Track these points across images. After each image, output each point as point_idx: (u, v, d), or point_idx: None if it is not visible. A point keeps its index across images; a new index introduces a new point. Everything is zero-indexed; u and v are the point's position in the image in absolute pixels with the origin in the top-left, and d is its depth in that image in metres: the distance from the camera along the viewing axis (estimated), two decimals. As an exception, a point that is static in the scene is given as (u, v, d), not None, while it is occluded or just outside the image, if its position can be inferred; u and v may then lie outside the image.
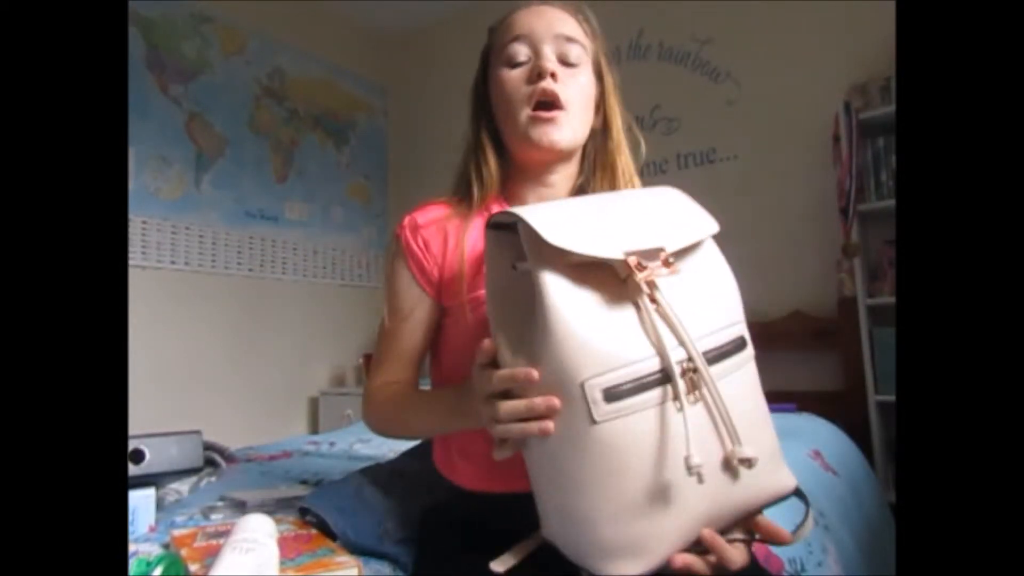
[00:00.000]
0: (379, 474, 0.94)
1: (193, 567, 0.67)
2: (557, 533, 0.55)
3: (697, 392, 0.54)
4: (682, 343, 0.54)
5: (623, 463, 0.51)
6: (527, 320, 0.55)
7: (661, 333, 0.53)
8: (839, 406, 2.06)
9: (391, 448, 1.45)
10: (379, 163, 3.59)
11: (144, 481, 0.89)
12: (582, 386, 0.51)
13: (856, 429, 1.91)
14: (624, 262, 0.55)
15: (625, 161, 0.83)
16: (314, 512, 0.81)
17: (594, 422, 0.51)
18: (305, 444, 1.69)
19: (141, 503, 0.85)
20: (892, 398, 2.00)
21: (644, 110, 2.74)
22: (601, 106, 0.83)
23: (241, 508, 0.92)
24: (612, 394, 0.51)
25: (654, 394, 0.52)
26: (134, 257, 2.52)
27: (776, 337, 2.22)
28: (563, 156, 0.80)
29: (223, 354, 2.80)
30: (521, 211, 0.57)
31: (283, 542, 0.70)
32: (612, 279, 0.56)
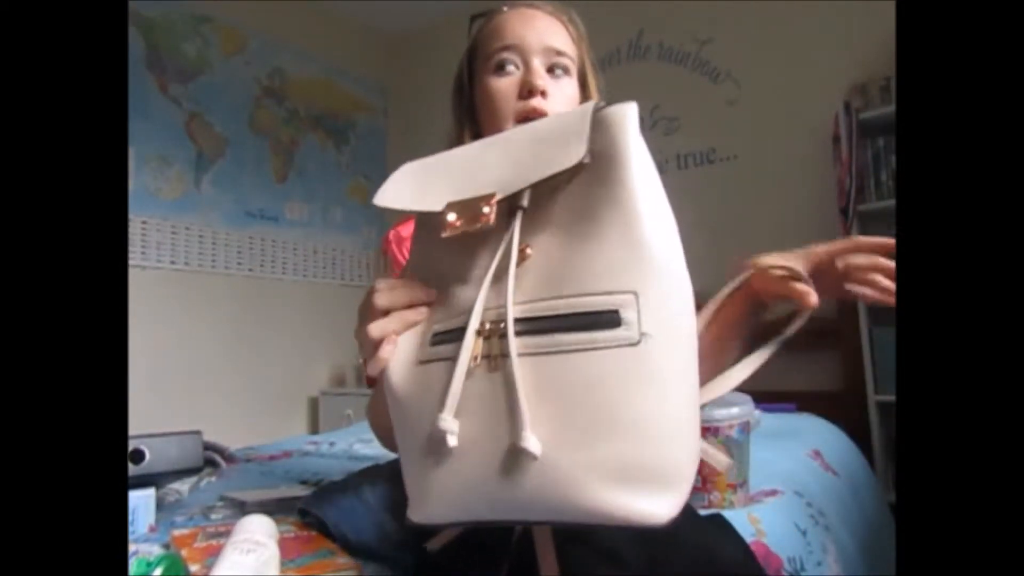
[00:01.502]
0: (379, 475, 0.93)
1: (193, 567, 0.67)
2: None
3: (500, 359, 0.46)
4: (505, 304, 0.47)
5: (413, 406, 0.51)
6: None
7: (484, 287, 0.48)
8: (839, 406, 2.06)
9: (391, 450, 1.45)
10: (379, 163, 3.59)
11: (144, 481, 0.89)
12: (425, 331, 0.53)
13: (856, 429, 1.91)
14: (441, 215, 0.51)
15: None
16: (314, 513, 0.81)
17: (418, 363, 0.52)
18: (305, 444, 1.69)
19: (141, 503, 0.85)
20: (892, 398, 2.01)
21: (644, 110, 2.72)
22: None
23: (241, 508, 0.92)
24: (437, 339, 0.51)
25: (451, 348, 0.49)
26: (134, 257, 2.52)
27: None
28: None
29: (223, 354, 2.80)
30: (402, 169, 0.59)
31: (283, 543, 0.70)
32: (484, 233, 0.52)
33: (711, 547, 0.61)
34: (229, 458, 1.24)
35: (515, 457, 0.44)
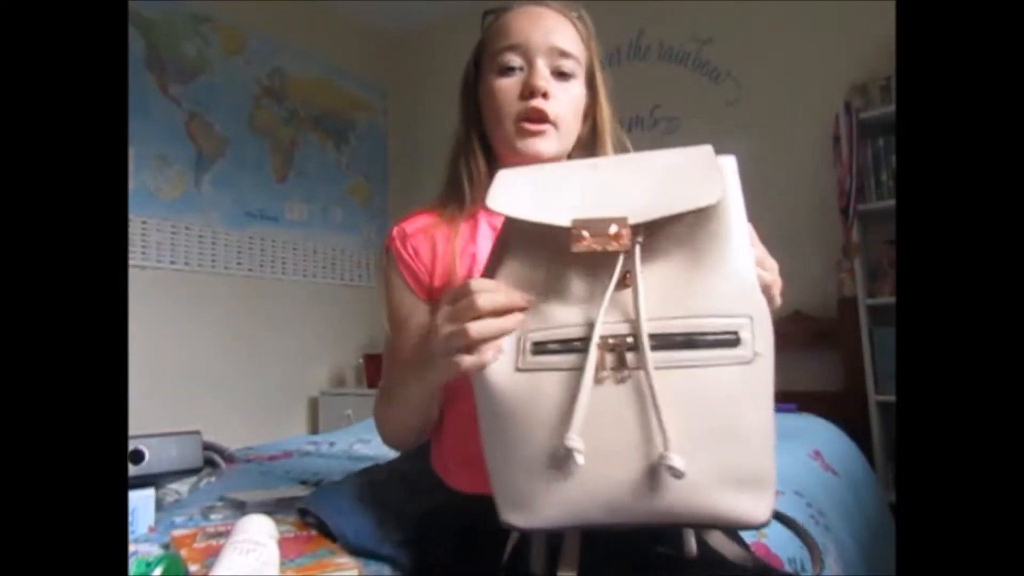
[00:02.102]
0: (379, 475, 0.93)
1: (193, 567, 0.67)
2: (488, 470, 0.55)
3: (625, 371, 0.50)
4: (636, 318, 0.50)
5: (518, 414, 0.52)
6: None
7: (606, 301, 0.51)
8: (839, 406, 2.06)
9: (391, 450, 1.45)
10: (379, 163, 3.59)
11: (144, 481, 0.89)
12: (520, 338, 0.54)
13: (856, 429, 1.91)
14: (567, 231, 0.53)
15: None
16: (313, 513, 0.81)
17: (517, 370, 0.53)
18: (305, 444, 1.69)
19: (141, 503, 0.85)
20: (892, 398, 2.01)
21: (644, 110, 2.74)
22: (590, 114, 0.83)
23: (241, 508, 0.92)
24: (540, 348, 0.53)
25: (573, 358, 0.51)
26: (134, 257, 2.52)
27: (776, 337, 2.21)
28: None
29: (223, 354, 2.80)
30: (503, 173, 0.59)
31: (283, 543, 0.70)
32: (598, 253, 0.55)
33: (714, 547, 0.61)
34: (229, 458, 1.24)
35: (651, 470, 0.48)
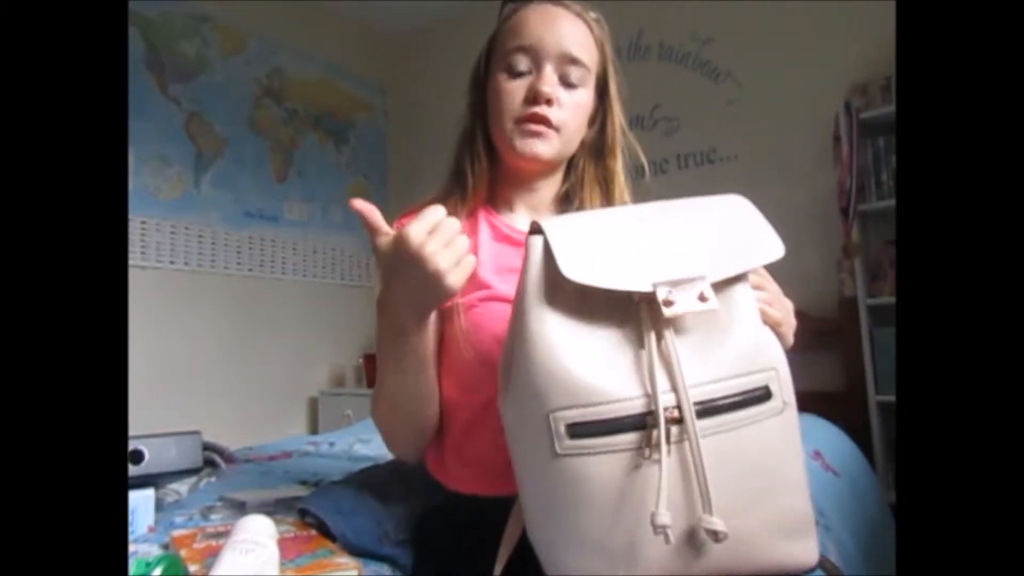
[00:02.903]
0: (378, 475, 0.93)
1: (193, 568, 0.67)
2: (534, 544, 0.54)
3: (675, 444, 0.49)
4: (674, 388, 0.49)
5: (583, 501, 0.49)
6: None
7: (656, 375, 0.49)
8: (839, 406, 2.06)
9: (391, 448, 1.45)
10: (379, 163, 3.58)
11: (143, 481, 0.89)
12: (548, 417, 0.50)
13: (856, 429, 1.91)
14: (652, 294, 0.51)
15: (620, 177, 0.83)
16: (313, 513, 0.81)
17: (556, 455, 0.49)
18: (305, 444, 1.69)
19: (140, 503, 0.85)
20: (892, 398, 2.01)
21: (644, 110, 2.73)
22: (598, 118, 0.82)
23: (240, 509, 0.92)
24: (579, 430, 0.49)
25: (627, 438, 0.48)
26: (133, 257, 2.52)
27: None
28: (547, 167, 0.81)
29: (223, 354, 2.80)
30: (550, 228, 0.55)
31: (283, 543, 0.70)
32: (626, 306, 0.53)
33: None
34: (228, 458, 1.24)
35: (699, 534, 0.48)
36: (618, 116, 0.83)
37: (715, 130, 2.59)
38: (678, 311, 0.50)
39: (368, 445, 1.61)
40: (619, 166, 0.83)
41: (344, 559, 0.69)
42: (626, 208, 0.63)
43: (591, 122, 0.82)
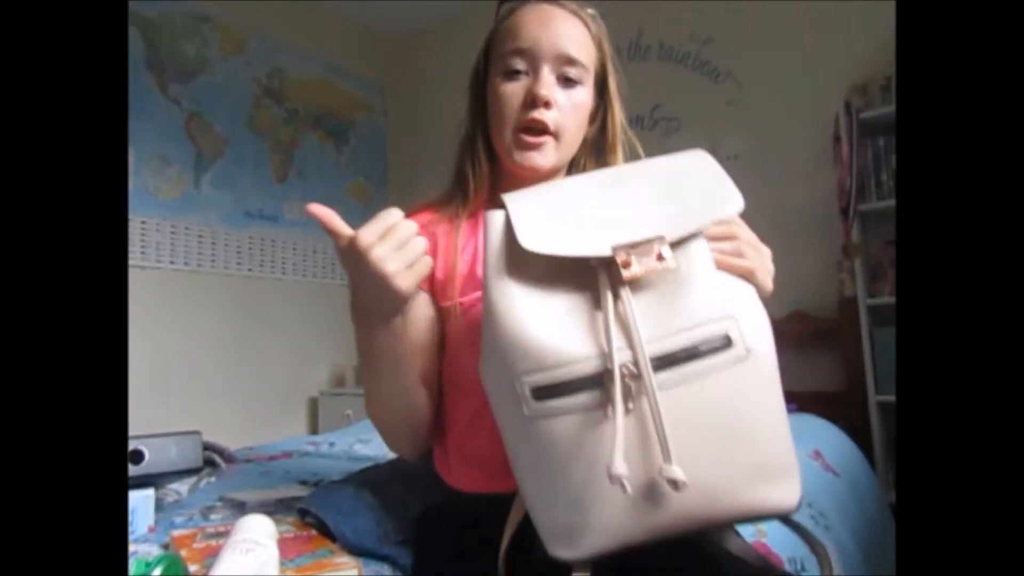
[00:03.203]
0: (378, 475, 0.93)
1: (193, 568, 0.67)
2: (528, 507, 0.57)
3: (631, 401, 0.50)
4: (631, 345, 0.50)
5: (555, 460, 0.52)
6: None
7: (612, 333, 0.50)
8: (839, 406, 2.06)
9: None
10: (379, 163, 3.58)
11: (143, 481, 0.89)
12: (514, 382, 0.52)
13: (856, 429, 1.91)
14: (610, 258, 0.53)
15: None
16: (313, 513, 0.81)
17: (526, 418, 0.52)
18: (305, 444, 1.69)
19: (140, 503, 0.85)
20: (893, 398, 2.01)
21: (644, 110, 2.73)
22: (598, 116, 0.82)
23: (240, 509, 0.92)
24: (543, 392, 0.52)
25: (588, 397, 0.51)
26: (133, 257, 2.52)
27: (776, 337, 2.21)
28: (548, 174, 0.81)
29: (222, 354, 2.79)
30: (511, 202, 0.58)
31: (283, 543, 0.70)
32: (587, 271, 0.55)
33: (713, 547, 0.61)
34: (228, 458, 1.24)
35: (665, 486, 0.48)
36: (618, 113, 0.82)
37: (715, 130, 2.58)
38: (636, 273, 0.52)
39: (368, 445, 1.61)
40: (620, 159, 0.83)
41: (344, 559, 0.69)
42: (592, 175, 0.63)
43: (591, 120, 0.82)
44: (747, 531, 0.84)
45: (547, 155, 0.76)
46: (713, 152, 0.63)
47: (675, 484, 0.47)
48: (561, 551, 0.52)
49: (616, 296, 0.52)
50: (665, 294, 0.53)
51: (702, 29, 2.66)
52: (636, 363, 0.50)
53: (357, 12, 3.41)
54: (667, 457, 0.48)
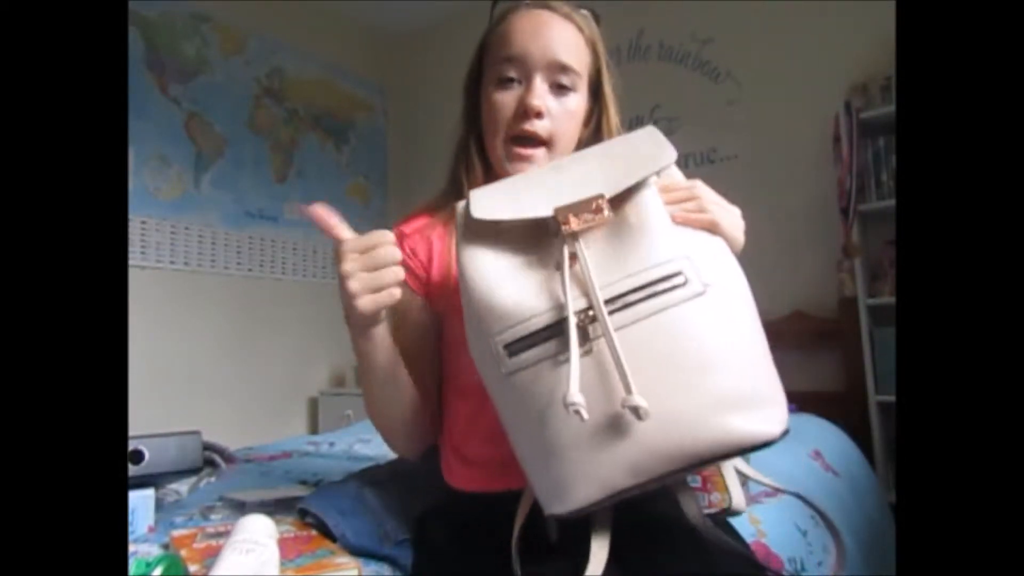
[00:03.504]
0: (379, 475, 0.94)
1: (193, 567, 0.67)
2: (523, 469, 0.58)
3: (591, 343, 0.53)
4: (585, 292, 0.54)
5: (528, 412, 0.55)
6: None
7: (566, 285, 0.54)
8: (839, 406, 2.06)
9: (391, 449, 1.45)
10: (379, 163, 3.58)
11: (143, 481, 0.89)
12: (490, 342, 0.56)
13: (856, 429, 1.91)
14: (552, 218, 0.57)
15: None
16: (313, 513, 0.81)
17: (504, 376, 0.56)
18: (305, 444, 1.69)
19: (140, 503, 0.85)
20: (893, 398, 2.00)
21: (644, 110, 2.73)
22: (592, 118, 0.82)
23: (241, 509, 0.92)
24: (513, 349, 0.55)
25: (551, 345, 0.54)
26: (134, 257, 2.52)
27: (776, 337, 2.20)
28: None
29: (223, 354, 2.80)
30: (473, 192, 0.64)
31: (283, 543, 0.70)
32: (539, 236, 0.60)
33: (711, 547, 0.61)
34: (229, 458, 1.24)
35: (634, 421, 0.50)
36: (614, 116, 0.82)
37: (715, 130, 2.59)
38: (576, 227, 0.56)
39: (368, 445, 1.61)
40: None
41: (344, 559, 0.69)
42: (550, 164, 0.68)
43: (586, 122, 0.81)
44: (747, 531, 0.84)
45: (540, 166, 0.76)
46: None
47: (636, 411, 0.49)
48: (555, 508, 0.53)
49: (572, 254, 0.56)
50: (619, 245, 0.57)
51: (702, 29, 2.66)
52: (591, 306, 0.53)
53: (357, 12, 3.41)
54: (627, 388, 0.49)
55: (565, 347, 0.52)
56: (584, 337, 0.53)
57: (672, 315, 0.53)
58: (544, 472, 0.54)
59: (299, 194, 3.14)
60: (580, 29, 0.78)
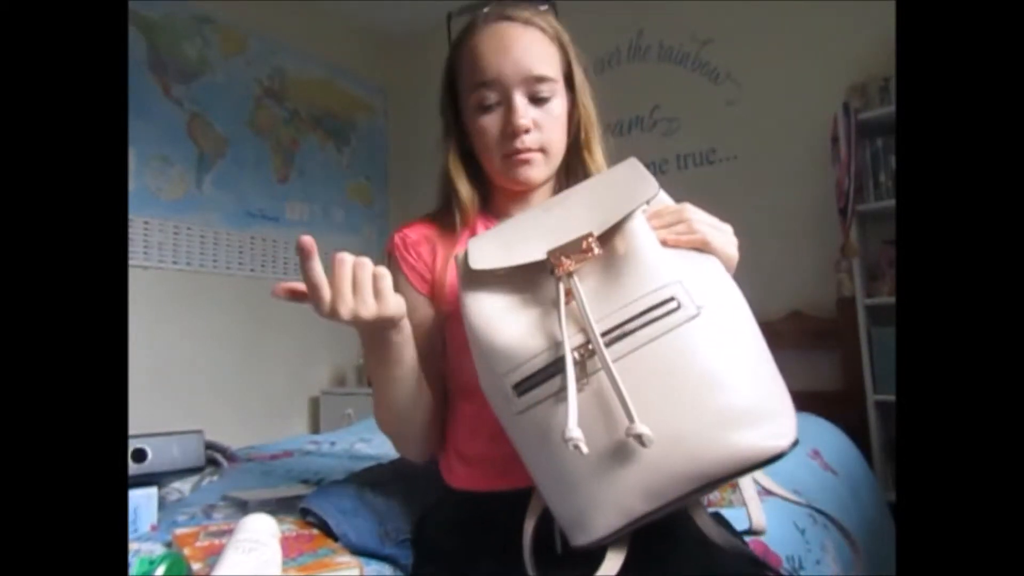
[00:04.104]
0: (380, 475, 0.94)
1: (195, 566, 0.68)
2: (541, 493, 0.59)
3: (591, 377, 0.54)
4: (582, 328, 0.55)
5: (542, 447, 0.56)
6: None
7: (562, 322, 0.55)
8: (838, 406, 2.06)
9: (392, 448, 1.45)
10: (380, 164, 3.59)
11: (146, 480, 0.90)
12: (500, 383, 0.58)
13: (854, 429, 1.91)
14: (547, 260, 0.60)
15: (601, 165, 0.82)
16: (315, 512, 0.81)
17: (515, 414, 0.57)
18: (306, 444, 1.69)
19: (143, 502, 0.86)
20: (891, 398, 2.01)
21: (644, 110, 2.74)
22: (573, 115, 0.81)
23: (243, 507, 0.92)
24: (521, 388, 0.57)
25: (555, 383, 0.55)
26: (136, 257, 2.52)
27: (775, 337, 2.21)
28: (540, 185, 0.81)
29: (225, 354, 2.80)
30: (471, 242, 0.66)
31: (285, 542, 0.70)
32: (534, 278, 0.62)
33: (710, 545, 0.61)
34: (231, 457, 1.24)
35: (636, 446, 0.51)
36: (586, 104, 0.81)
37: (714, 131, 2.59)
38: (568, 267, 0.58)
39: (369, 444, 1.61)
40: (597, 151, 0.82)
41: (345, 558, 0.69)
42: (537, 206, 0.70)
43: (571, 115, 0.81)
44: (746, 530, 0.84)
45: (539, 169, 0.78)
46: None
47: (640, 439, 0.49)
48: (579, 539, 0.54)
49: (568, 291, 0.57)
50: (612, 277, 0.58)
51: (702, 30, 2.66)
52: (588, 340, 0.54)
53: (358, 13, 3.41)
54: (629, 417, 0.50)
55: (564, 384, 0.53)
56: (583, 371, 0.54)
57: (669, 340, 0.54)
58: (563, 504, 0.56)
59: (300, 194, 3.14)
60: (543, 30, 0.78)
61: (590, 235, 0.59)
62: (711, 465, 0.51)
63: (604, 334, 0.54)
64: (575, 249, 0.59)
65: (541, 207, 0.68)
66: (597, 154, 0.82)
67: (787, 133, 2.43)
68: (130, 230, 2.49)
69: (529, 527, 0.61)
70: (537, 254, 0.61)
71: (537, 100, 0.76)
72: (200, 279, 2.74)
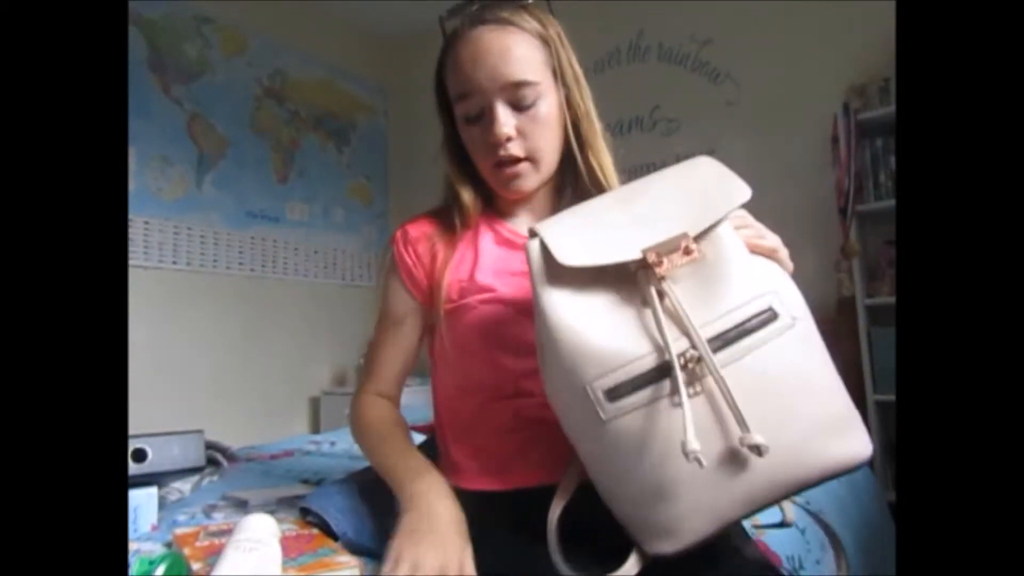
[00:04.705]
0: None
1: (196, 566, 0.68)
2: (615, 511, 0.58)
3: (698, 383, 0.53)
4: (685, 332, 0.53)
5: (635, 456, 0.54)
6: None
7: (663, 326, 0.53)
8: (839, 406, 2.06)
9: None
10: (380, 164, 3.59)
11: (146, 480, 0.89)
12: (586, 389, 0.54)
13: (856, 429, 1.91)
14: (640, 260, 0.56)
15: (603, 158, 0.80)
16: (315, 512, 0.81)
17: (603, 421, 0.54)
18: (306, 444, 1.69)
19: (143, 502, 0.85)
20: (891, 398, 2.01)
21: (644, 110, 2.74)
22: (567, 110, 0.79)
23: (243, 507, 0.92)
24: (614, 393, 0.54)
25: (653, 390, 0.53)
26: (136, 257, 2.52)
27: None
28: (534, 193, 0.81)
29: (225, 354, 2.80)
30: (542, 230, 0.61)
31: (285, 542, 0.70)
32: (624, 276, 0.58)
33: (727, 548, 0.61)
34: (231, 457, 1.24)
35: (748, 456, 0.51)
36: (580, 100, 0.79)
37: (714, 131, 2.59)
38: (667, 268, 0.55)
39: (369, 445, 1.61)
40: (597, 149, 0.80)
41: (345, 558, 0.69)
42: (607, 195, 0.66)
43: (566, 115, 0.79)
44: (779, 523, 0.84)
45: (527, 179, 0.77)
46: (712, 153, 0.65)
47: (757, 449, 0.49)
48: (663, 547, 0.54)
49: (660, 292, 0.55)
50: (705, 282, 0.56)
51: (702, 30, 2.66)
52: (695, 347, 0.52)
53: (358, 14, 3.41)
54: (744, 427, 0.50)
55: (671, 392, 0.52)
56: (691, 377, 0.53)
57: (769, 350, 0.54)
58: (651, 513, 0.54)
59: (300, 195, 3.14)
60: (523, 30, 0.75)
61: (686, 236, 0.57)
62: (810, 472, 0.52)
63: (708, 341, 0.53)
64: (671, 249, 0.56)
65: (616, 197, 0.64)
66: (599, 151, 0.80)
67: (787, 133, 2.43)
68: (130, 230, 2.49)
69: (554, 517, 0.60)
70: (630, 252, 0.57)
71: (520, 107, 0.74)
72: (200, 279, 2.74)
